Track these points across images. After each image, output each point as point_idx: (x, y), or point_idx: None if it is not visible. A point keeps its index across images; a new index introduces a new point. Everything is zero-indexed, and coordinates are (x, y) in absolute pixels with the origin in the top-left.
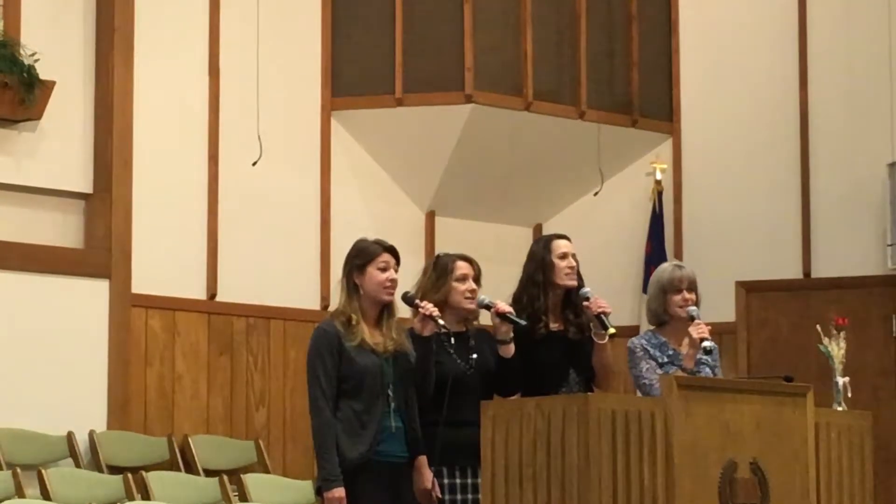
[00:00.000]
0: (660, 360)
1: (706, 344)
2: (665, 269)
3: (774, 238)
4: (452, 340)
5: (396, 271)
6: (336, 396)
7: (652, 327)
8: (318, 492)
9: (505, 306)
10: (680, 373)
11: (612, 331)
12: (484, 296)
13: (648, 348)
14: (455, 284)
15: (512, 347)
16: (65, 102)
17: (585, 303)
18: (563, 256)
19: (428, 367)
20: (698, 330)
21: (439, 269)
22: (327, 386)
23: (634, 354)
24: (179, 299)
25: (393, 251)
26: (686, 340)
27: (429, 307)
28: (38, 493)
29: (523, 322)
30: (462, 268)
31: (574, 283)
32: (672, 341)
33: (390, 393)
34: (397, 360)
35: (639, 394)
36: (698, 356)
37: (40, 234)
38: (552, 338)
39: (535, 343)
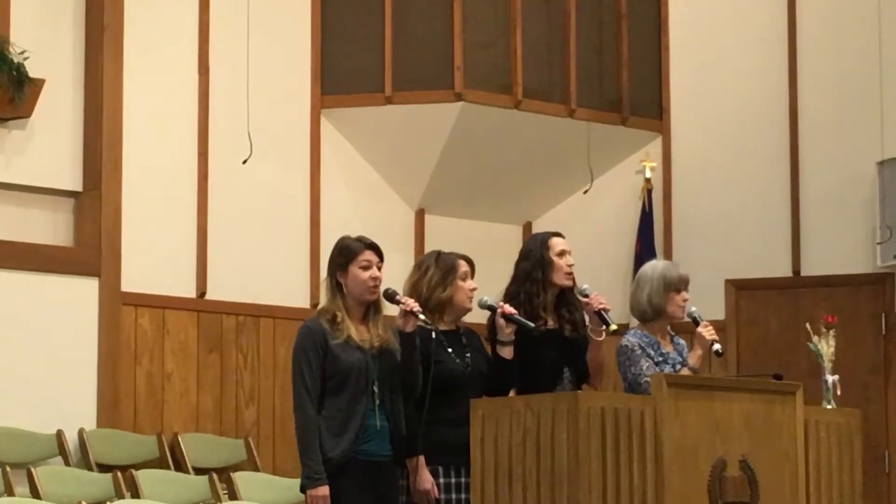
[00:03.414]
0: (655, 360)
1: (717, 347)
2: (668, 266)
3: (764, 236)
4: (434, 335)
5: (380, 269)
6: (320, 394)
7: (636, 324)
8: (303, 490)
9: (511, 308)
10: (686, 371)
11: (613, 327)
12: (486, 296)
13: (644, 346)
14: (460, 283)
15: (511, 349)
16: (54, 100)
17: (585, 299)
18: (562, 254)
19: (412, 363)
20: (709, 332)
21: (444, 267)
22: (311, 384)
23: (633, 353)
24: (169, 297)
25: (375, 248)
26: (668, 339)
27: (410, 303)
28: (27, 491)
29: (532, 325)
30: (464, 266)
31: (570, 283)
32: (660, 340)
33: (375, 390)
34: (383, 356)
35: (627, 392)
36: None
37: (30, 233)
38: (549, 336)
39: (532, 342)
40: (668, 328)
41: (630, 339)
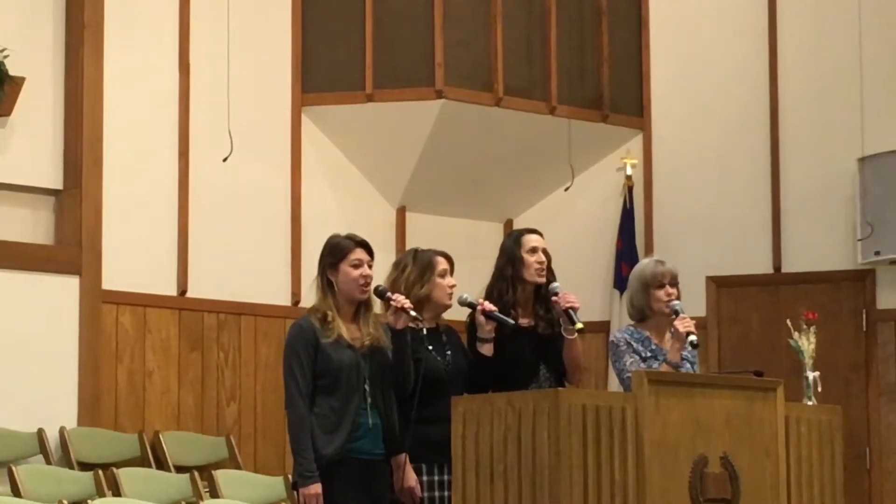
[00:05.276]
0: (643, 355)
1: (692, 338)
2: (647, 264)
3: (745, 233)
4: (425, 332)
5: (371, 267)
6: (312, 392)
7: (631, 322)
8: (295, 487)
9: (491, 305)
10: (665, 367)
11: (579, 326)
12: (466, 294)
13: (631, 342)
14: (438, 280)
15: (492, 346)
16: (35, 99)
17: (554, 298)
18: (533, 251)
19: (403, 360)
20: (684, 324)
21: (422, 264)
22: (303, 382)
23: (618, 348)
24: (150, 295)
25: (366, 246)
26: (668, 335)
27: (401, 300)
28: (8, 490)
29: (512, 322)
30: (443, 263)
31: (542, 280)
32: (654, 336)
33: (367, 388)
34: (374, 354)
35: (621, 388)
36: (684, 352)
37: (10, 231)
38: (522, 333)
39: (505, 338)
40: (669, 326)
41: (616, 335)
